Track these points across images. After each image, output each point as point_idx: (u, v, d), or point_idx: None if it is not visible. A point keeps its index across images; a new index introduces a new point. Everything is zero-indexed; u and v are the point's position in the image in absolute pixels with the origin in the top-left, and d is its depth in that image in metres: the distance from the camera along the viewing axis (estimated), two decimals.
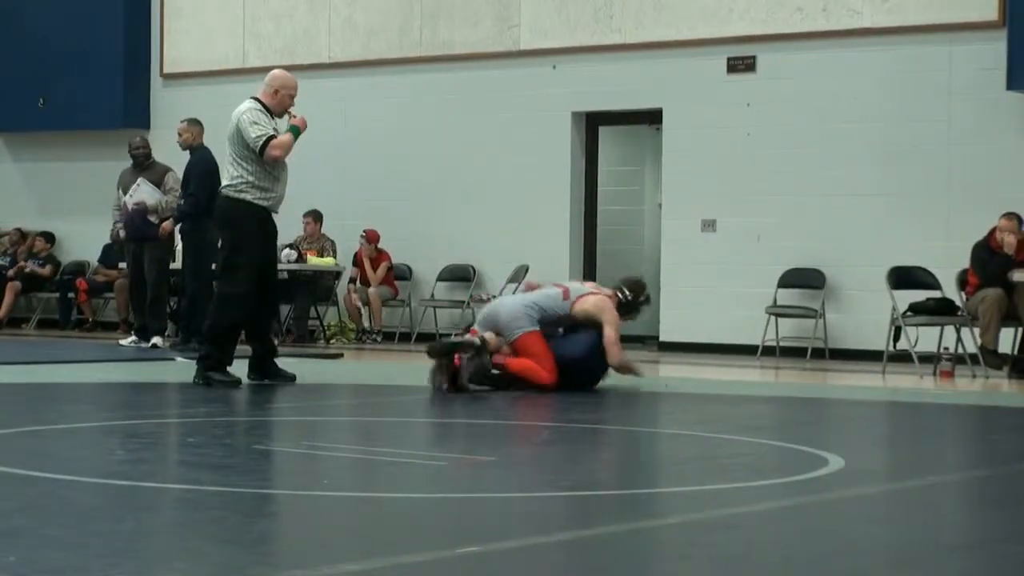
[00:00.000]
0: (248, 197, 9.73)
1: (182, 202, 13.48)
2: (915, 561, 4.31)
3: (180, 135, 13.59)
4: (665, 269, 15.57)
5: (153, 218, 13.64)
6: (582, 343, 9.93)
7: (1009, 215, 12.65)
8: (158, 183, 13.74)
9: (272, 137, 9.70)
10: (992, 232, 12.66)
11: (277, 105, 9.89)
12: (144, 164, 13.93)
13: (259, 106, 9.81)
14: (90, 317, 18.02)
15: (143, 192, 13.65)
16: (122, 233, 14.03)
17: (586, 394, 9.70)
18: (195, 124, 13.58)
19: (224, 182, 9.86)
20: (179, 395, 9.67)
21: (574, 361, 9.87)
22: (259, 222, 9.84)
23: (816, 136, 14.69)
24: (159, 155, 14.44)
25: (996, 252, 12.57)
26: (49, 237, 18.97)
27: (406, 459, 6.37)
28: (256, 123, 9.70)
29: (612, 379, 10.37)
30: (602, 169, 16.58)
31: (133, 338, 13.93)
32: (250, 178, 9.73)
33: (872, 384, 11.71)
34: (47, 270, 18.68)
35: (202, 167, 13.33)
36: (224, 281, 9.93)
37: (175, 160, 14.07)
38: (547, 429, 8.08)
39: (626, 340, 16.33)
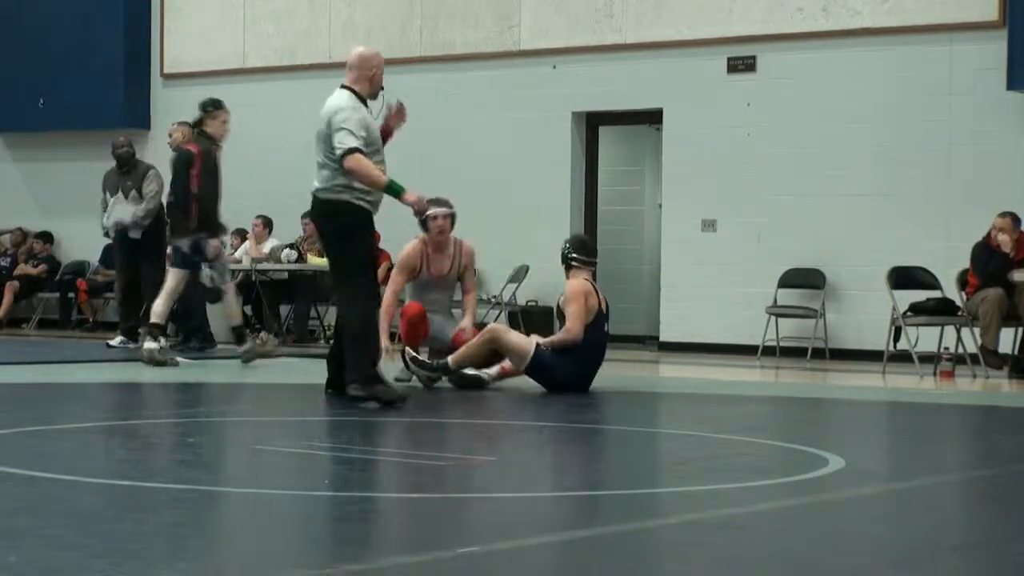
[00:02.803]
0: (346, 197, 8.59)
1: (172, 199, 13.51)
2: (915, 561, 4.31)
3: (171, 135, 13.68)
4: (665, 269, 15.57)
5: (135, 233, 13.69)
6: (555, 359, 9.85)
7: (1004, 214, 12.67)
8: (139, 186, 13.79)
9: (359, 151, 8.54)
10: (991, 232, 12.69)
11: (374, 86, 8.87)
12: (128, 163, 13.95)
13: (355, 102, 8.73)
14: (91, 317, 18.01)
15: (119, 212, 13.74)
16: (111, 233, 14.04)
17: (585, 394, 9.69)
18: (185, 125, 13.68)
19: (318, 184, 8.68)
20: (179, 395, 9.67)
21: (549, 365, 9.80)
22: (365, 223, 8.76)
23: (816, 136, 14.68)
24: (158, 155, 14.45)
25: (995, 252, 12.58)
26: (47, 237, 18.97)
27: (406, 459, 6.37)
28: (345, 128, 8.57)
29: (610, 379, 10.36)
30: (602, 169, 16.57)
31: (121, 338, 13.85)
32: (344, 180, 8.61)
33: (872, 384, 11.70)
34: (40, 269, 18.67)
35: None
36: (345, 288, 8.80)
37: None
38: (547, 429, 8.08)
39: (626, 340, 16.39)
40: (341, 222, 8.63)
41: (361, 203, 8.61)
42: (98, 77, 18.43)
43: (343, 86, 8.88)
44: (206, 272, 11.73)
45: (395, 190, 8.54)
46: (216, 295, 12.24)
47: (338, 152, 8.49)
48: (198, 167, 11.79)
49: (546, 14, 16.09)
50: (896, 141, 14.30)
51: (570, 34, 15.95)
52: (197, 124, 12.10)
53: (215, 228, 11.88)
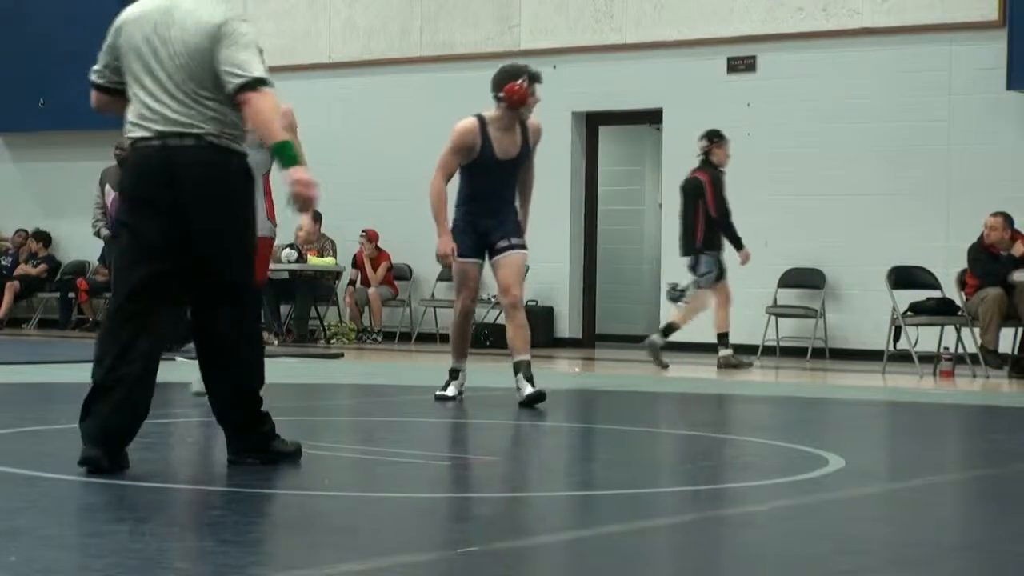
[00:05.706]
0: (240, 148, 5.70)
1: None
2: (915, 561, 4.31)
3: None
4: (665, 269, 15.55)
5: None
6: None
7: (996, 214, 12.68)
8: None
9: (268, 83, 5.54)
10: (984, 232, 12.71)
11: None
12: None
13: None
14: (91, 317, 18.01)
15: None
16: (104, 232, 14.00)
17: (584, 395, 9.69)
18: None
19: (199, 125, 5.54)
20: (179, 395, 9.67)
21: None
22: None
23: (816, 136, 14.68)
24: None
25: (996, 254, 12.58)
26: (44, 237, 18.97)
27: (406, 459, 6.36)
28: (253, 46, 5.57)
29: (610, 379, 10.36)
30: (602, 169, 16.57)
31: None
32: (236, 119, 5.62)
33: (872, 384, 11.71)
34: (40, 269, 18.70)
35: None
36: (247, 296, 5.81)
37: None
38: (546, 429, 8.08)
39: (626, 340, 16.37)
40: (246, 186, 5.73)
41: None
42: None
43: None
44: (691, 285, 13.05)
45: (290, 155, 5.45)
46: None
47: (241, 80, 5.46)
48: (710, 193, 13.03)
49: (546, 14, 16.09)
50: (896, 141, 14.30)
51: (570, 34, 15.95)
52: (704, 153, 13.25)
53: (734, 243, 13.22)
